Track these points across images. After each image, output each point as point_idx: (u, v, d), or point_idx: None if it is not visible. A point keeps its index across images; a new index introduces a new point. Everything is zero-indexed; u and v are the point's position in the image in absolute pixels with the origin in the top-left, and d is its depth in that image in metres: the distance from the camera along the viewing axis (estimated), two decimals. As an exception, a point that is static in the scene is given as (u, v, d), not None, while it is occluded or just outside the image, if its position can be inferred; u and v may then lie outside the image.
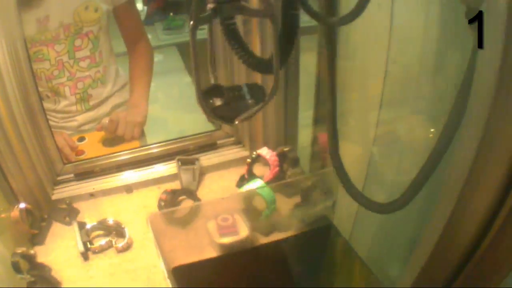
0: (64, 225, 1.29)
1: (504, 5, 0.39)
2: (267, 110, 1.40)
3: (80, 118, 1.75)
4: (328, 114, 0.95)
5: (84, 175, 1.45)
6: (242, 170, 1.37)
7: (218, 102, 0.81)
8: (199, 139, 1.51)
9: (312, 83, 1.30)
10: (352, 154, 1.14)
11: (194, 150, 1.50)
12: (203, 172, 1.44)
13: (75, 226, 1.25)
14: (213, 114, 0.80)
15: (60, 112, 1.72)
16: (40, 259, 1.16)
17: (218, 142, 1.52)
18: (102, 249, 1.20)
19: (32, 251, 1.15)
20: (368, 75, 1.09)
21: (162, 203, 1.27)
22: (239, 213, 1.18)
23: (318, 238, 1.19)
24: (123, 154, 1.49)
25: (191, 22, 0.71)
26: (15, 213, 1.17)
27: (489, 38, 0.42)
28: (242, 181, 1.35)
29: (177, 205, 1.30)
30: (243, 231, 1.15)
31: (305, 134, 1.43)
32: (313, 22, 0.96)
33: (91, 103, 1.74)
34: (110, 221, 1.26)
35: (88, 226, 1.25)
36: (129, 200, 1.38)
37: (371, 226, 1.14)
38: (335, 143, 0.97)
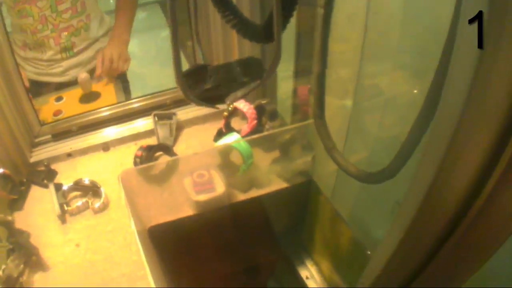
0: (42, 188, 1.25)
1: None
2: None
3: (65, 64, 1.72)
4: (315, 77, 0.87)
5: (61, 135, 1.40)
6: (220, 124, 1.31)
7: (203, 86, 0.68)
8: (176, 93, 1.44)
9: (292, 33, 1.22)
10: (332, 107, 1.08)
11: (171, 105, 1.44)
12: (180, 127, 1.39)
13: (51, 188, 1.21)
14: (197, 100, 0.68)
15: (46, 61, 1.69)
16: (19, 224, 1.13)
17: (196, 95, 1.46)
18: (79, 211, 1.17)
19: (10, 218, 1.11)
20: (348, 27, 1.01)
21: (138, 160, 1.23)
22: (216, 169, 1.13)
23: (298, 195, 1.15)
24: (100, 111, 1.43)
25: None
26: (-8, 180, 1.13)
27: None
28: (219, 135, 1.30)
29: (153, 162, 1.25)
30: (220, 187, 1.11)
31: (285, 87, 1.36)
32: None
33: (75, 49, 1.71)
34: (86, 181, 1.22)
35: (65, 187, 1.22)
36: (106, 158, 1.34)
37: (353, 185, 1.10)
38: (322, 110, 0.90)
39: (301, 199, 1.15)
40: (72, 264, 1.05)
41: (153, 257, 1.02)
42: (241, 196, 1.13)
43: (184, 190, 1.10)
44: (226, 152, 1.14)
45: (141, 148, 1.24)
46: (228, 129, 1.28)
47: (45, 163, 1.28)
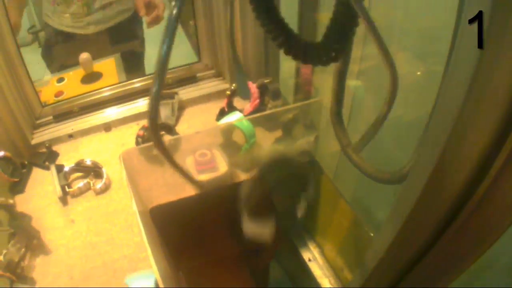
0: (44, 170, 1.22)
1: None
2: (247, 40, 1.27)
3: (87, 19, 1.70)
4: (336, 74, 0.81)
5: (63, 116, 1.36)
6: (222, 103, 1.27)
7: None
8: (178, 72, 1.40)
9: (295, 9, 1.17)
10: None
11: (173, 84, 1.40)
12: (182, 106, 1.35)
13: (53, 170, 1.18)
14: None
15: (71, 15, 1.68)
16: (21, 208, 1.10)
17: (198, 75, 1.42)
18: (80, 192, 1.14)
19: (11, 201, 1.09)
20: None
21: (140, 140, 1.19)
22: (218, 148, 1.09)
23: (300, 175, 1.11)
24: (101, 91, 1.39)
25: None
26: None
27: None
28: (221, 114, 1.26)
29: (155, 142, 1.21)
30: (222, 167, 1.06)
31: (287, 66, 1.31)
32: None
33: (96, 6, 1.68)
34: (88, 162, 1.19)
35: (66, 168, 1.18)
36: (108, 138, 1.30)
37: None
38: (339, 107, 0.85)
39: (303, 179, 1.11)
40: (73, 247, 1.02)
41: (154, 238, 0.99)
42: (244, 176, 1.09)
43: (186, 170, 1.07)
44: (228, 131, 1.10)
45: (143, 127, 1.21)
46: (231, 108, 1.24)
47: (47, 145, 1.25)
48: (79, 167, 1.19)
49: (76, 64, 1.58)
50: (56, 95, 1.46)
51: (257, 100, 1.20)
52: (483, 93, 0.35)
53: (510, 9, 0.30)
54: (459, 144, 0.40)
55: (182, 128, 1.29)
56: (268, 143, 1.13)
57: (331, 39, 0.57)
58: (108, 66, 1.60)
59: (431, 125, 0.43)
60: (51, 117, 1.35)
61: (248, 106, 1.21)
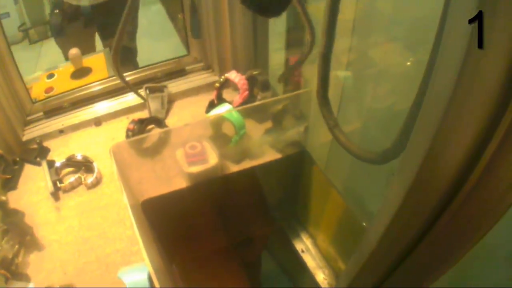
0: (35, 166, 1.20)
1: None
2: (235, 32, 1.25)
3: None
4: (321, 57, 0.81)
5: (53, 112, 1.34)
6: (211, 96, 1.25)
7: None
8: (167, 66, 1.38)
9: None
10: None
11: (163, 78, 1.37)
12: (172, 99, 1.33)
13: (44, 166, 1.16)
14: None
15: None
16: (13, 204, 1.08)
17: (187, 68, 1.39)
18: (72, 187, 1.12)
19: (4, 198, 1.07)
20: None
21: (130, 133, 1.17)
22: (208, 140, 1.07)
23: (291, 166, 1.09)
24: (91, 86, 1.37)
25: None
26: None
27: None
28: (211, 106, 1.24)
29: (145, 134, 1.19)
30: (212, 158, 1.05)
31: (276, 58, 1.29)
32: None
33: None
34: (79, 157, 1.17)
35: (58, 164, 1.16)
36: (98, 133, 1.28)
37: (347, 156, 1.05)
38: (325, 89, 0.84)
39: (294, 170, 1.10)
40: (66, 242, 1.01)
41: (146, 231, 0.98)
42: (234, 168, 1.08)
43: (176, 162, 1.05)
44: (218, 122, 1.08)
45: (133, 121, 1.19)
46: (220, 100, 1.22)
47: (37, 141, 1.23)
48: (70, 162, 1.16)
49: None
50: (46, 91, 1.43)
51: (246, 92, 1.18)
52: (473, 79, 0.34)
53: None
54: (450, 132, 0.38)
55: (172, 121, 1.27)
56: (258, 134, 1.12)
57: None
58: (98, 60, 1.57)
59: (422, 113, 0.42)
60: (41, 113, 1.33)
61: (237, 97, 1.19)
